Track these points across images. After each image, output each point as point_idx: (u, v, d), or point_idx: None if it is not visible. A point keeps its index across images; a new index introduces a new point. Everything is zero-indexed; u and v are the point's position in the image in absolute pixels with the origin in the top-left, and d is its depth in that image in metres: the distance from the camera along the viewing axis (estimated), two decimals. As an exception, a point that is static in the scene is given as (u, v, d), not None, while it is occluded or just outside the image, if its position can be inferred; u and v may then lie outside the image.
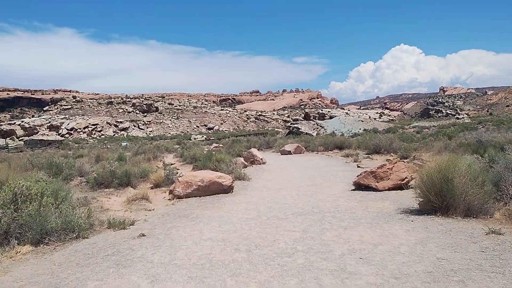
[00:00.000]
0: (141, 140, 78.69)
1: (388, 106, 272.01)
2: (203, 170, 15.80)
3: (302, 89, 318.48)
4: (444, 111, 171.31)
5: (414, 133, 38.97)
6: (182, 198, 11.04)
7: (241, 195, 11.21)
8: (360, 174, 10.85)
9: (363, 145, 24.87)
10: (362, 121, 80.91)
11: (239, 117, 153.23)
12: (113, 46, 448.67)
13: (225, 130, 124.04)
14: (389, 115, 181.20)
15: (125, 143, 62.01)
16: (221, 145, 37.91)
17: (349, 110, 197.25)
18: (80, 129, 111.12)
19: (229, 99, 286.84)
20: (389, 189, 10.16)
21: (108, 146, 56.58)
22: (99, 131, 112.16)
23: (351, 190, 10.88)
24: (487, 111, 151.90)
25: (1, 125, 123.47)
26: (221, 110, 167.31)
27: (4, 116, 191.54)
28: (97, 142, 78.47)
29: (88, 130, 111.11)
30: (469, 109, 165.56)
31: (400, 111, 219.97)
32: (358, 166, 16.66)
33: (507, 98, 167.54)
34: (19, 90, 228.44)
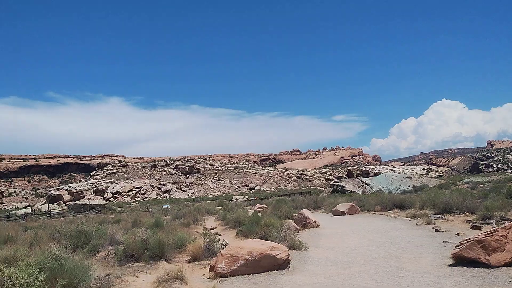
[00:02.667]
0: (183, 202, 77.35)
1: (433, 162, 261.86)
2: (250, 238, 13.48)
3: (342, 147, 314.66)
4: (495, 166, 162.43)
5: (468, 189, 34.92)
6: (226, 276, 8.68)
7: (301, 273, 8.70)
8: (461, 244, 8.16)
9: (428, 203, 21.74)
10: (410, 177, 76.65)
11: (280, 176, 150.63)
12: (158, 112, 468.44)
13: (267, 190, 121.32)
14: (437, 171, 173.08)
15: (166, 206, 60.60)
16: (265, 206, 35.45)
17: (393, 167, 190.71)
18: (124, 192, 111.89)
19: (270, 158, 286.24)
20: (506, 265, 7.44)
21: (150, 209, 55.30)
22: (143, 194, 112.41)
23: (449, 265, 8.17)
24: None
25: (50, 190, 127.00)
26: (262, 169, 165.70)
27: (54, 182, 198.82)
28: (140, 205, 77.80)
29: (132, 193, 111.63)
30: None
31: (447, 167, 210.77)
32: (437, 230, 13.72)
33: None
34: (68, 157, 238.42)
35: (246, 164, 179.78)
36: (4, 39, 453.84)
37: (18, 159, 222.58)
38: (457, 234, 12.48)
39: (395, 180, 72.11)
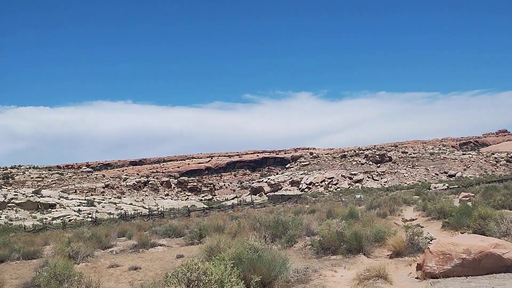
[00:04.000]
0: (376, 192, 75.21)
1: None
2: (459, 231, 11.70)
3: None
4: None
5: None
6: (437, 277, 7.44)
7: (540, 279, 6.85)
8: None
9: None
10: None
11: (485, 160, 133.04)
12: (345, 103, 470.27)
13: (470, 177, 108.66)
14: None
15: (359, 195, 59.67)
16: (472, 194, 31.43)
17: None
18: (317, 183, 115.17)
19: (471, 142, 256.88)
20: None
21: (343, 199, 55.27)
22: (335, 184, 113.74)
23: None
24: None
25: (253, 183, 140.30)
26: (463, 154, 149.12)
27: (255, 175, 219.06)
28: (333, 195, 78.80)
29: (325, 183, 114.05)
30: None
31: None
32: None
33: None
34: (266, 152, 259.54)
35: (444, 150, 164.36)
36: (209, 57, 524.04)
37: (225, 156, 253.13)
38: None
39: None
